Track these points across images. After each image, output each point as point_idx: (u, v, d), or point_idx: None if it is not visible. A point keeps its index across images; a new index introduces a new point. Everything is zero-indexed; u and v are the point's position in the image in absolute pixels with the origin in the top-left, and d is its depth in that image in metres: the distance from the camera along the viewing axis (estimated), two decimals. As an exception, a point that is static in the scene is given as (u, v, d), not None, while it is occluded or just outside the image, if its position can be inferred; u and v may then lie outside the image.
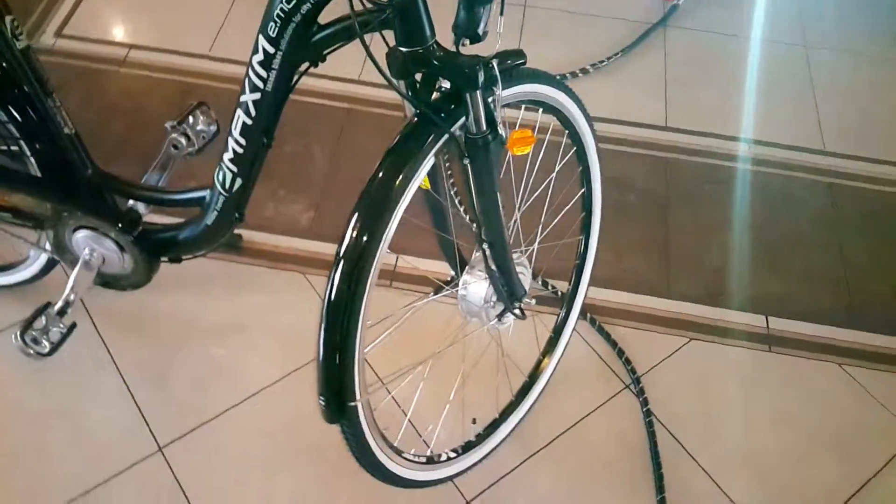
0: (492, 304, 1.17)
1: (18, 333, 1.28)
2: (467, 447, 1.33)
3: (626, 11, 2.28)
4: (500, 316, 1.18)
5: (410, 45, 0.90)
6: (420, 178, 0.97)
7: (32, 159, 1.21)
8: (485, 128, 0.96)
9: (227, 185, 1.11)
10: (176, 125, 1.29)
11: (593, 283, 1.47)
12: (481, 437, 1.36)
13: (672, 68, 2.14)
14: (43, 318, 1.32)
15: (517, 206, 1.19)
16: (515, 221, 1.20)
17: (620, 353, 1.56)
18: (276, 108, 1.02)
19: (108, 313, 1.57)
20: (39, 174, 1.22)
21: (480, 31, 0.94)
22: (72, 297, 1.32)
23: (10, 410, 1.43)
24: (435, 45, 0.92)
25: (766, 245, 1.77)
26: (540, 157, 1.23)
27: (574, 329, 1.50)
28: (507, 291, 1.17)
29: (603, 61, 2.12)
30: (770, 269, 1.73)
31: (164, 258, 1.29)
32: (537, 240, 1.27)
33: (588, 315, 1.61)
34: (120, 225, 1.23)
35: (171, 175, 1.33)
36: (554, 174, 1.27)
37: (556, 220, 1.32)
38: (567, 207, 1.35)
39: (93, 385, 1.47)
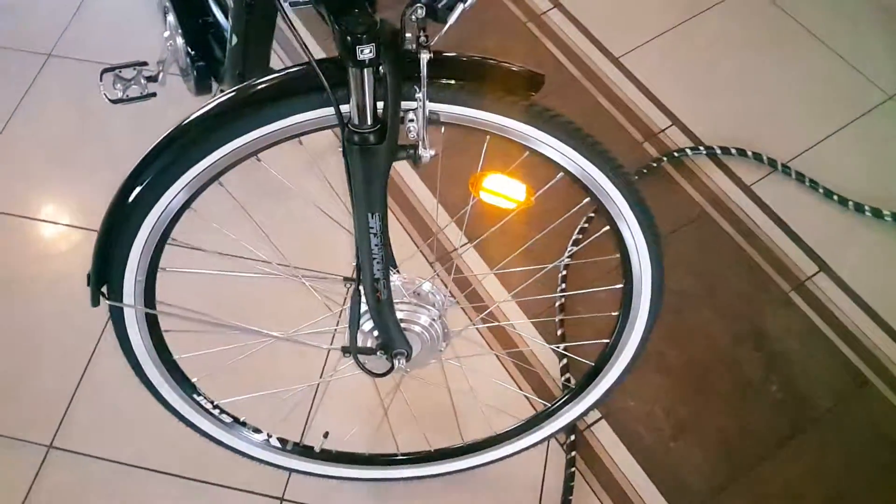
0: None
1: (102, 70, 1.38)
2: (302, 451, 1.14)
3: None
4: (343, 350, 0.93)
5: (318, -35, 0.66)
6: (278, 129, 0.75)
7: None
8: (367, 123, 0.70)
9: (229, 37, 1.02)
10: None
11: (621, 433, 1.11)
12: (325, 455, 1.15)
13: None
14: (134, 70, 1.40)
15: (459, 247, 0.89)
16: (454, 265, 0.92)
17: (564, 516, 1.18)
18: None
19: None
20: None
21: (440, 4, 0.66)
22: (160, 67, 1.37)
23: (90, 130, 1.61)
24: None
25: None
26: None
27: (542, 443, 1.15)
28: (383, 338, 0.91)
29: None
30: None
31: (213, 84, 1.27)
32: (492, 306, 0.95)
33: (574, 450, 1.23)
34: (187, 37, 1.22)
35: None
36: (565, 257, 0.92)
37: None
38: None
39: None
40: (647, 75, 1.66)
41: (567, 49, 1.71)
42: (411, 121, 0.72)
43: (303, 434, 1.25)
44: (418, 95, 0.70)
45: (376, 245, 0.80)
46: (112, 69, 1.38)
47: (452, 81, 0.72)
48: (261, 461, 1.13)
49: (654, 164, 1.52)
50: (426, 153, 0.74)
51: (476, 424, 1.18)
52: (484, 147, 0.81)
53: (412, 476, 1.19)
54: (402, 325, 0.92)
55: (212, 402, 1.05)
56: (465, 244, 0.96)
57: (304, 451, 1.15)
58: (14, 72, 1.69)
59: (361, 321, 0.91)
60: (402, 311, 0.92)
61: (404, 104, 0.72)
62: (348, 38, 0.64)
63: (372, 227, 0.78)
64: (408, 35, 0.70)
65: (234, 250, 1.08)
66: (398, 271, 0.96)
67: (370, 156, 0.72)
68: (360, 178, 0.74)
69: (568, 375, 1.31)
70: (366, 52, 0.65)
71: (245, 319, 1.12)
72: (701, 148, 1.53)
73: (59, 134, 1.60)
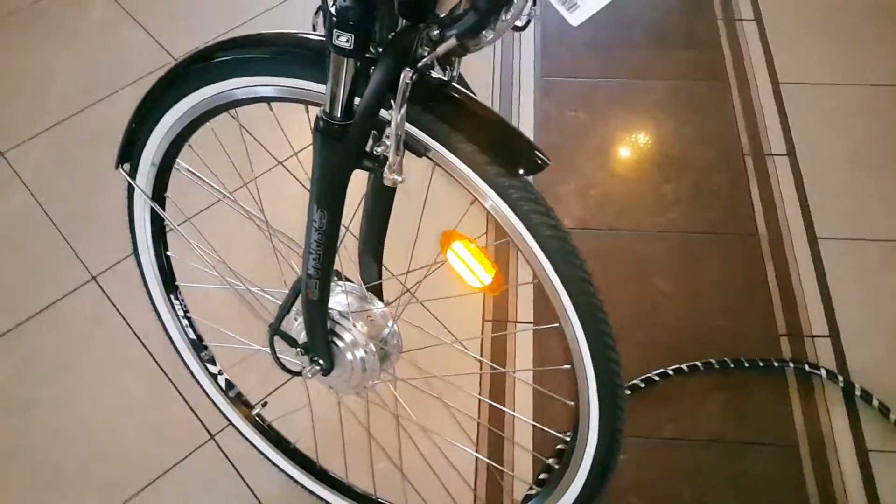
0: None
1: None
2: (240, 402, 1.12)
3: None
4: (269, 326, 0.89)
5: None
6: (282, 86, 0.74)
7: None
8: (336, 114, 0.66)
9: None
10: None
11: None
12: (257, 421, 1.13)
13: None
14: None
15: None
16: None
17: None
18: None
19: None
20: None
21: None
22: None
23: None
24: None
25: None
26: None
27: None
28: (307, 337, 0.86)
29: None
30: None
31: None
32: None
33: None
34: None
35: None
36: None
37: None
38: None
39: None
40: (837, 273, 1.38)
41: (769, 201, 1.49)
42: (388, 137, 0.67)
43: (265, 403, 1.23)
44: (391, 112, 0.64)
45: (316, 241, 0.75)
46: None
47: (437, 114, 0.65)
48: (203, 391, 1.14)
49: (776, 364, 1.26)
50: (390, 176, 0.68)
51: (394, 483, 1.09)
52: (468, 205, 0.73)
53: (321, 495, 1.13)
54: (333, 339, 0.87)
55: (185, 311, 1.08)
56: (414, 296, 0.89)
57: (242, 404, 1.14)
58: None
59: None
60: (340, 326, 0.87)
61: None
62: (333, 18, 0.60)
63: (315, 221, 0.74)
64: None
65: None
66: (371, 289, 0.90)
67: (329, 148, 0.68)
68: (316, 166, 0.70)
69: None
70: (341, 39, 0.61)
71: (237, 262, 1.11)
72: (841, 378, 1.24)
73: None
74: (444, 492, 1.11)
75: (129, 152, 0.91)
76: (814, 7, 1.80)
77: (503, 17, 0.60)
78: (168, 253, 1.02)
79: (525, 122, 1.60)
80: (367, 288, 0.90)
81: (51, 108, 1.65)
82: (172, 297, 1.06)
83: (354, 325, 0.87)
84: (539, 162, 0.66)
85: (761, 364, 1.27)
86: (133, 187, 0.94)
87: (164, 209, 0.97)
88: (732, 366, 1.27)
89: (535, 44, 1.74)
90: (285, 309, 0.87)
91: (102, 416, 1.25)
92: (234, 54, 0.76)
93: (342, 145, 0.67)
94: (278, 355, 0.90)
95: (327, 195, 0.72)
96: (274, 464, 1.15)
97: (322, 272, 0.79)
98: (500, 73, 1.69)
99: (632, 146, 1.59)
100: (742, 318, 1.34)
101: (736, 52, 1.72)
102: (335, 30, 0.60)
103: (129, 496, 1.17)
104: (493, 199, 0.68)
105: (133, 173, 0.92)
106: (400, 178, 0.69)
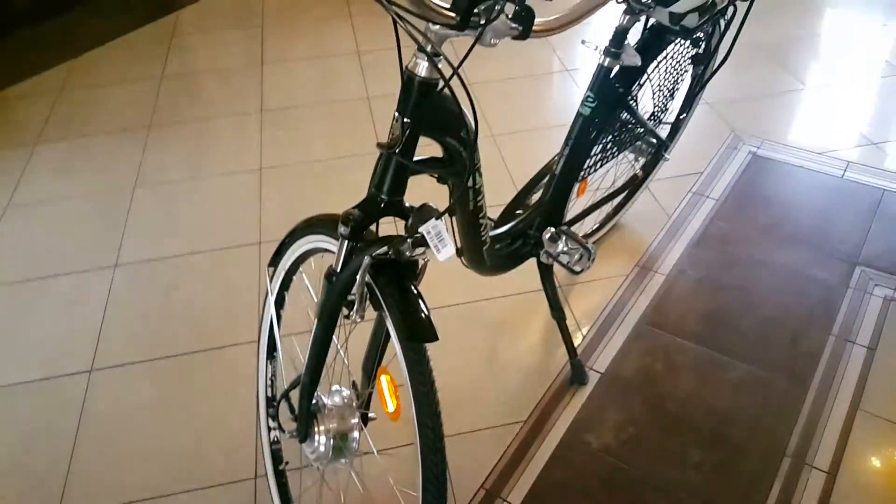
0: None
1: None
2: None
3: None
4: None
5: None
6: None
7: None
8: (337, 268, 1.10)
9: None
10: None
11: None
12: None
13: None
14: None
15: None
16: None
17: None
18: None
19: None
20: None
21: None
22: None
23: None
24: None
25: None
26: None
27: None
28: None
29: None
30: None
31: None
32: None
33: None
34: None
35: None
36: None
37: None
38: None
39: None
40: None
41: (785, 505, 1.52)
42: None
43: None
44: (357, 277, 1.05)
45: (311, 344, 1.17)
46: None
47: (389, 289, 1.06)
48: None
49: None
50: (353, 315, 1.09)
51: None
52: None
53: None
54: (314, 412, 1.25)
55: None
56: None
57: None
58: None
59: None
60: (321, 413, 1.24)
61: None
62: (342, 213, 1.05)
63: (315, 333, 1.16)
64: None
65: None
66: (355, 390, 1.27)
67: (327, 287, 1.12)
68: (321, 298, 1.14)
69: None
70: (341, 229, 1.05)
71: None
72: None
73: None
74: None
75: (277, 260, 1.43)
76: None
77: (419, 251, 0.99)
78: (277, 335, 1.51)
79: (607, 353, 1.85)
80: (361, 398, 1.28)
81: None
82: (269, 359, 1.55)
83: (328, 419, 1.24)
84: (427, 332, 1.01)
85: None
86: (271, 283, 1.47)
87: (284, 302, 1.48)
88: None
89: (655, 295, 2.00)
90: (291, 386, 1.29)
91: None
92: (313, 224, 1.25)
93: (332, 288, 1.10)
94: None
95: (323, 313, 1.15)
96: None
97: (312, 366, 1.20)
98: (611, 309, 1.97)
99: (684, 405, 1.73)
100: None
101: (831, 366, 1.79)
102: (340, 224, 1.05)
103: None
104: (399, 354, 1.05)
105: (273, 274, 1.44)
106: (359, 320, 1.09)
